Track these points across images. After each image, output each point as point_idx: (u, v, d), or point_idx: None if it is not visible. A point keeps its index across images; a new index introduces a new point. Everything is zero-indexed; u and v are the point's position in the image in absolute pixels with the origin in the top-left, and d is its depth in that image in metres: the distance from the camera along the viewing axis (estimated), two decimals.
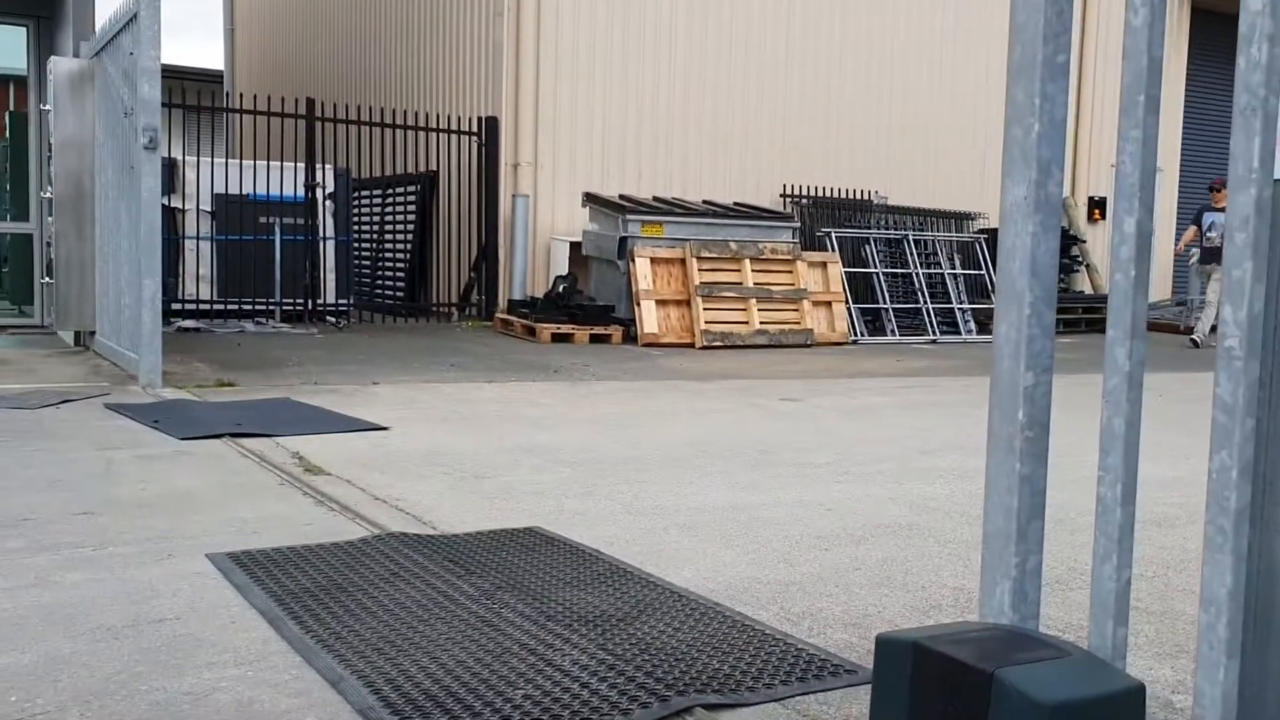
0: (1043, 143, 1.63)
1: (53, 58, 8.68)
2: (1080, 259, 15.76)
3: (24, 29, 10.91)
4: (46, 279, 9.25)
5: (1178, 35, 16.97)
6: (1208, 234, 12.60)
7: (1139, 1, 1.47)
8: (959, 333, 12.84)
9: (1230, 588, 1.40)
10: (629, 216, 11.05)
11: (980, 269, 13.79)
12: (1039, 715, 1.34)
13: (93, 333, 8.53)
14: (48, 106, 8.59)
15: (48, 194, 8.72)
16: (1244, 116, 1.34)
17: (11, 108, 11.81)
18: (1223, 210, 12.83)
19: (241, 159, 11.74)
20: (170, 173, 11.01)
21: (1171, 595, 2.99)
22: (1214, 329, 12.87)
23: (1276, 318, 1.40)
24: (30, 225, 10.62)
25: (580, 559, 3.15)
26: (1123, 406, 1.52)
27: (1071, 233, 15.76)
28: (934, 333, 12.59)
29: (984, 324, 13.20)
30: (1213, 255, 12.55)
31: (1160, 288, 16.97)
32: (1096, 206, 16.51)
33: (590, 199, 11.76)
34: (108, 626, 2.51)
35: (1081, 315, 14.26)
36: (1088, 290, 15.71)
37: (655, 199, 12.33)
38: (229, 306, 11.36)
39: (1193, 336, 12.69)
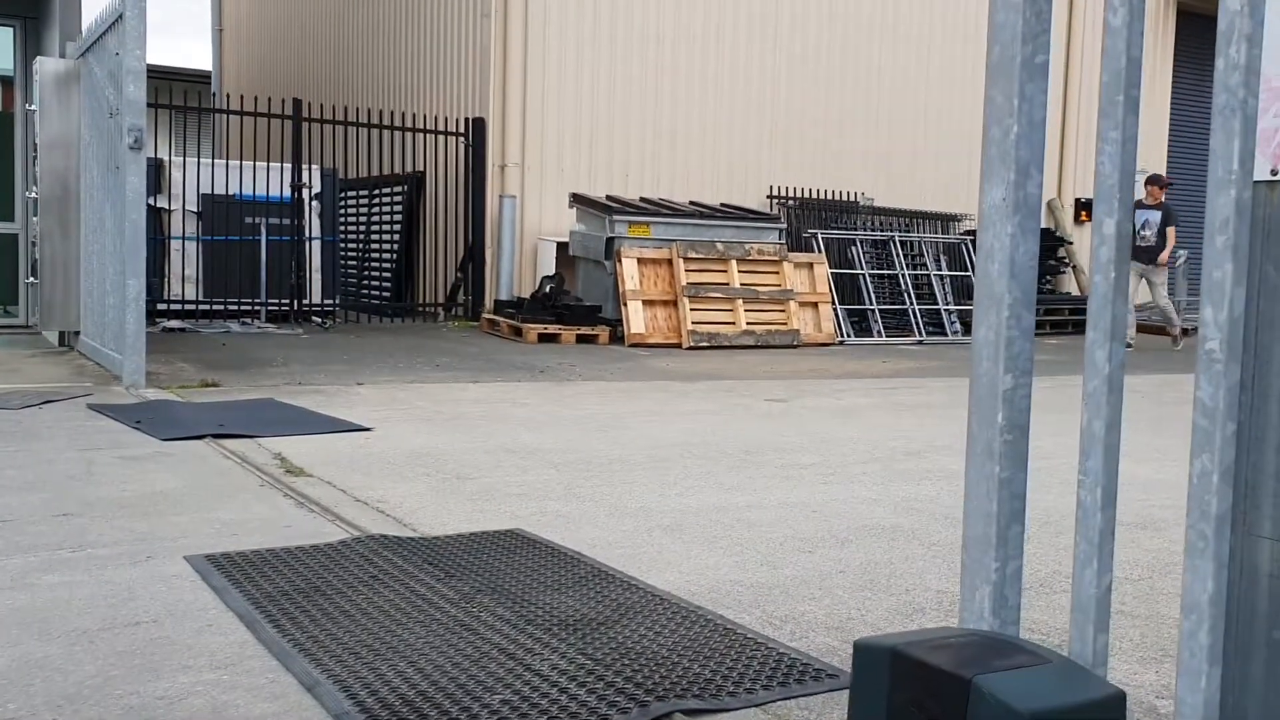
0: (1021, 144, 1.61)
1: (39, 58, 8.63)
2: (1067, 260, 15.80)
3: (11, 29, 10.85)
4: (31, 279, 9.19)
5: (1163, 37, 17.02)
6: (1140, 232, 11.94)
7: (1118, 1, 1.46)
8: (945, 334, 12.86)
9: (1211, 594, 1.39)
10: (616, 217, 11.03)
11: (966, 270, 13.80)
12: None
13: (77, 333, 8.48)
14: (34, 106, 8.54)
15: (33, 194, 8.67)
16: (1223, 117, 1.33)
17: None
18: (1154, 207, 11.79)
19: (228, 159, 11.70)
20: (156, 173, 10.96)
21: (1157, 599, 2.98)
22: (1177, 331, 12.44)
23: (1257, 320, 1.39)
24: (15, 225, 10.55)
25: (562, 562, 3.13)
26: (1103, 409, 1.51)
27: (1059, 234, 15.80)
28: (920, 334, 12.60)
29: (970, 325, 13.18)
30: (1144, 255, 11.95)
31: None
32: (1084, 208, 16.55)
33: (577, 199, 11.74)
34: (83, 629, 2.48)
35: (1068, 317, 14.29)
36: (1075, 292, 15.76)
37: (642, 200, 12.32)
38: (214, 307, 11.31)
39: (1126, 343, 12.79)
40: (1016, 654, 1.48)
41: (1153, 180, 12.23)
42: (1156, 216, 11.95)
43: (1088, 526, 1.55)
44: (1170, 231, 12.03)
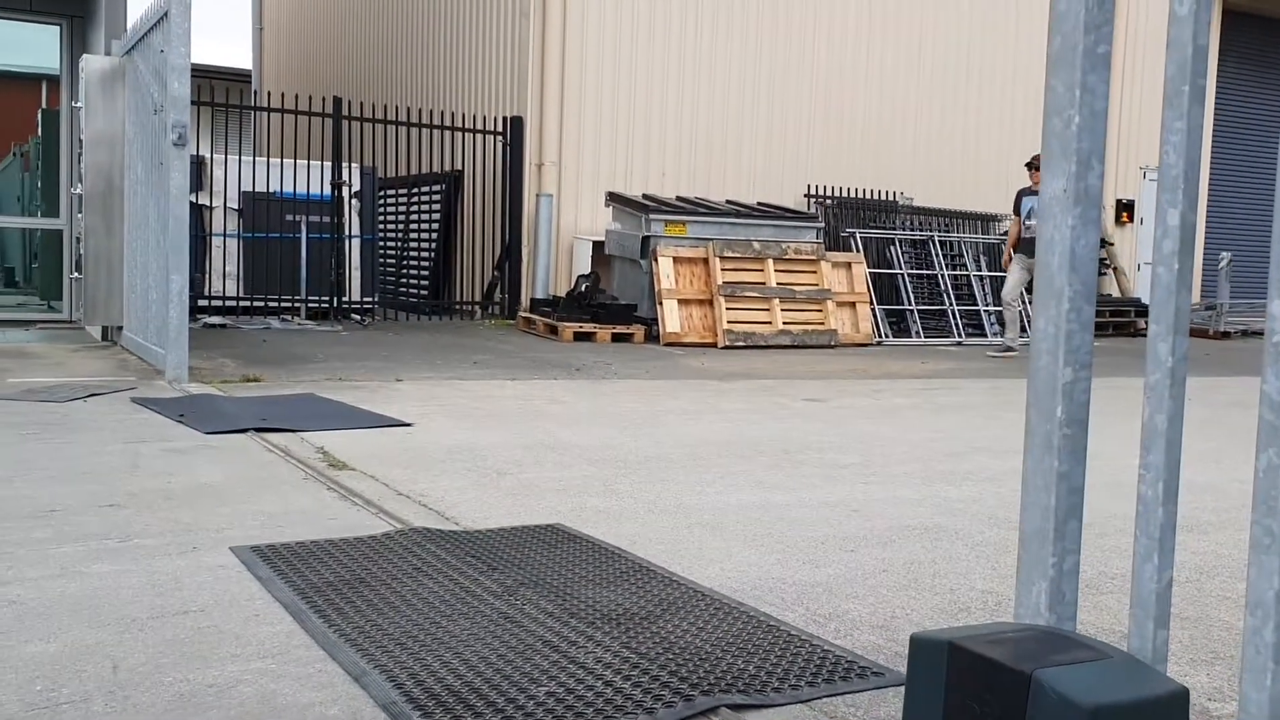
0: (1083, 134, 1.59)
1: (85, 55, 8.74)
2: (1108, 262, 15.62)
3: (57, 28, 11.01)
4: (75, 274, 9.32)
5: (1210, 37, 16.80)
6: (1026, 222, 10.47)
7: None
8: (984, 335, 12.76)
9: (1278, 590, 1.37)
10: (652, 216, 11.03)
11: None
12: (1078, 718, 1.31)
13: (120, 328, 8.59)
14: (79, 104, 8.65)
15: (78, 190, 8.79)
16: None
17: (45, 105, 11.90)
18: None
19: (269, 157, 11.80)
20: (198, 170, 11.08)
21: (1206, 601, 2.94)
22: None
23: None
24: (60, 221, 10.70)
25: (603, 556, 3.13)
26: (1165, 403, 1.49)
27: (1099, 235, 15.62)
28: (959, 334, 12.51)
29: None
30: (1032, 248, 10.70)
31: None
32: (1125, 209, 16.37)
33: (613, 198, 11.75)
34: (132, 618, 2.50)
35: (1109, 319, 14.14)
36: (1115, 294, 15.58)
37: (679, 198, 12.31)
38: (255, 303, 11.42)
39: (1007, 347, 10.56)
40: (1076, 649, 1.46)
41: (1030, 163, 10.70)
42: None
43: (1148, 521, 1.52)
44: None
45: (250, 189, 11.44)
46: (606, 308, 10.85)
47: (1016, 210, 10.84)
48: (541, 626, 2.51)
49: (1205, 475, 4.71)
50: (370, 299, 12.11)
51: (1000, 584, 3.04)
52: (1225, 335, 14.11)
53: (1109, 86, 1.61)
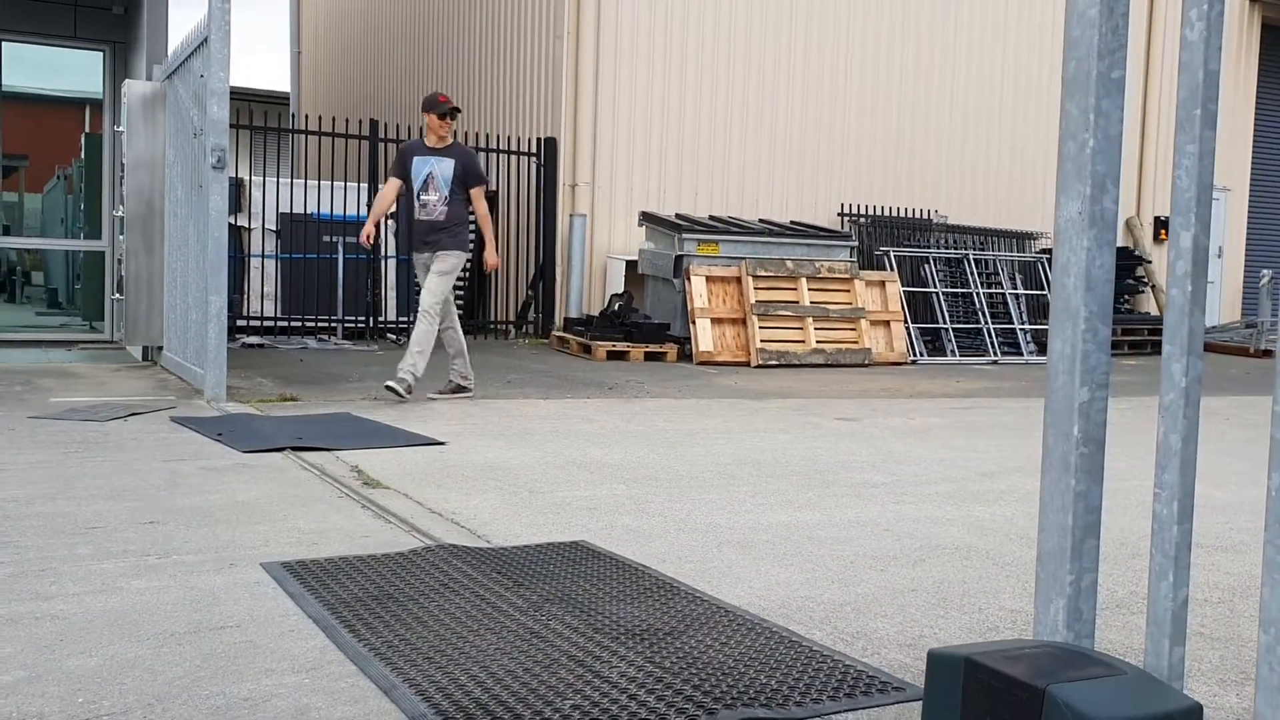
0: (1097, 158, 1.61)
1: (127, 80, 8.93)
2: (1146, 280, 15.50)
3: (101, 54, 11.25)
4: (117, 295, 9.49)
5: (1248, 52, 16.67)
6: (421, 197, 7.07)
7: (1195, 16, 1.46)
8: (1020, 353, 12.68)
9: None
10: (685, 235, 11.07)
11: (1042, 289, 13.60)
12: None
13: (160, 348, 8.73)
14: (121, 128, 8.83)
15: (120, 212, 8.96)
16: None
17: (88, 129, 12.15)
18: (442, 152, 6.98)
19: (306, 179, 11.97)
20: (237, 192, 11.26)
21: (1237, 621, 2.93)
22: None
23: None
24: (102, 243, 10.91)
25: (628, 573, 3.16)
26: (1179, 423, 1.50)
27: (1137, 253, 15.51)
28: (995, 353, 12.44)
29: (1045, 345, 13.02)
30: (435, 234, 7.08)
31: (1230, 309, 16.63)
32: (1162, 226, 16.22)
33: (647, 218, 11.80)
34: (171, 632, 2.56)
35: (1147, 337, 14.01)
36: (1154, 312, 15.44)
37: (712, 218, 12.34)
38: (292, 323, 11.56)
39: (458, 387, 7.18)
40: (1091, 665, 1.47)
41: (434, 105, 7.05)
42: (449, 168, 7.05)
43: (1163, 540, 1.54)
44: (476, 194, 7.16)
45: (288, 210, 11.60)
46: (640, 327, 10.89)
47: (402, 174, 7.19)
48: (566, 641, 2.54)
49: (1241, 495, 4.67)
50: (406, 319, 12.22)
51: (1029, 603, 3.04)
52: (1266, 353, 13.92)
53: (1123, 111, 1.63)
